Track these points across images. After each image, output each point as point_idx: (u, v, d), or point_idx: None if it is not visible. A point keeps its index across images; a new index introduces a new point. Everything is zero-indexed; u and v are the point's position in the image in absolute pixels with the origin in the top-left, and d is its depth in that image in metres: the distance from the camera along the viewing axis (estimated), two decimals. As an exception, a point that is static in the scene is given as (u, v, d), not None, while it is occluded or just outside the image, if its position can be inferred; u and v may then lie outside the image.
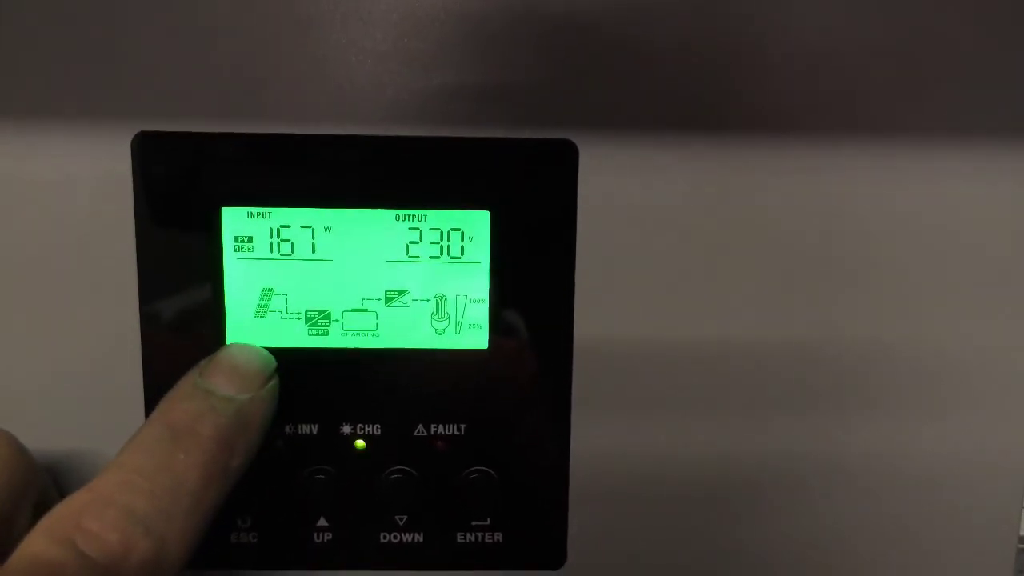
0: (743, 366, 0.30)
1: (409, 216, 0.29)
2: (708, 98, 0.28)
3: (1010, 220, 0.30)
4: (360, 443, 0.30)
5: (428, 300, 0.29)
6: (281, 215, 0.29)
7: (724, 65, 0.28)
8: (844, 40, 0.28)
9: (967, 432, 0.31)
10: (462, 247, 0.29)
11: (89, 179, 0.28)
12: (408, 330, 0.29)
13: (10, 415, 0.29)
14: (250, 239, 0.29)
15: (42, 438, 0.29)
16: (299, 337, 0.29)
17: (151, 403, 0.29)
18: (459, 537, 0.31)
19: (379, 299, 0.29)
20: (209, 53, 0.28)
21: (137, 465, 0.24)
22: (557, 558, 0.31)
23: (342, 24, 0.28)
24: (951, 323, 0.30)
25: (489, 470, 0.30)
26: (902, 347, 0.30)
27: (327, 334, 0.29)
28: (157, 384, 0.29)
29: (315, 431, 0.30)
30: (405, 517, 0.30)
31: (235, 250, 0.29)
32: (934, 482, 0.31)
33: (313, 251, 0.29)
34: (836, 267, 0.30)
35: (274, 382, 0.28)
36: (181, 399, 0.26)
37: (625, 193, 0.29)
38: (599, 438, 0.30)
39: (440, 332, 0.29)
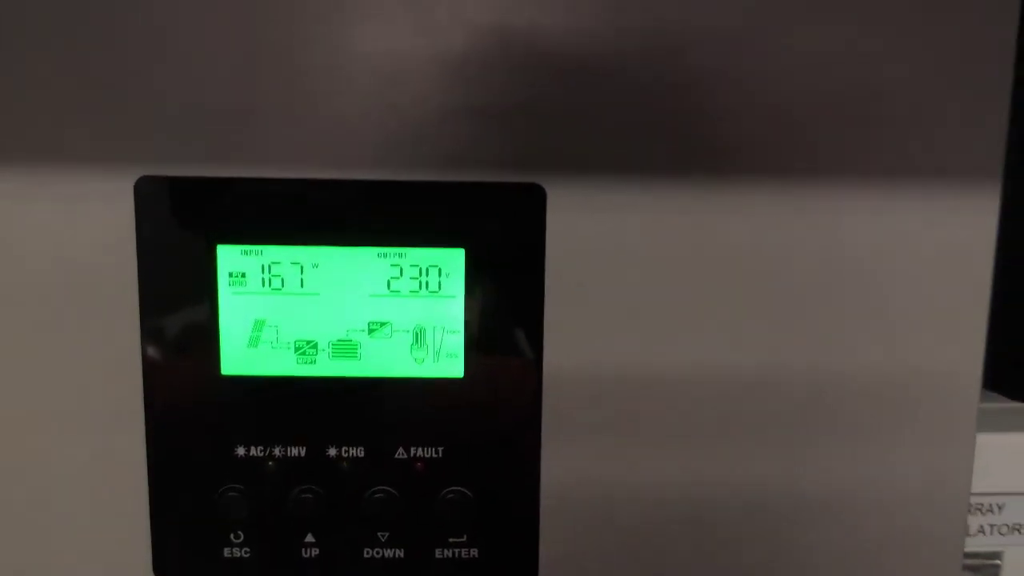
0: (701, 394, 0.32)
1: (390, 254, 0.31)
2: (668, 144, 0.30)
3: (962, 259, 0.31)
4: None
5: (408, 331, 0.31)
6: (272, 252, 0.31)
7: (683, 112, 0.30)
8: (803, 88, 0.30)
9: (917, 457, 0.32)
10: (439, 282, 0.31)
11: (95, 219, 0.31)
12: (390, 359, 0.31)
13: (20, 430, 0.31)
14: (243, 275, 0.31)
15: (45, 455, 0.32)
16: (288, 366, 0.31)
17: (151, 430, 0.31)
18: (437, 553, 0.33)
19: (363, 330, 0.31)
20: (205, 103, 0.30)
21: None
22: (530, 573, 0.33)
23: (329, 75, 0.30)
24: (904, 353, 0.32)
25: (465, 490, 0.32)
26: (859, 376, 0.32)
27: (314, 363, 0.31)
28: (157, 410, 0.31)
29: (303, 453, 0.32)
30: (387, 534, 0.32)
31: (229, 285, 0.31)
32: (887, 505, 0.33)
33: (302, 286, 0.31)
34: (793, 301, 0.32)
35: None
36: None
37: (590, 232, 0.31)
38: (568, 460, 0.32)
39: (419, 361, 0.32)
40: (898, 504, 0.33)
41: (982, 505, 0.41)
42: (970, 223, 0.31)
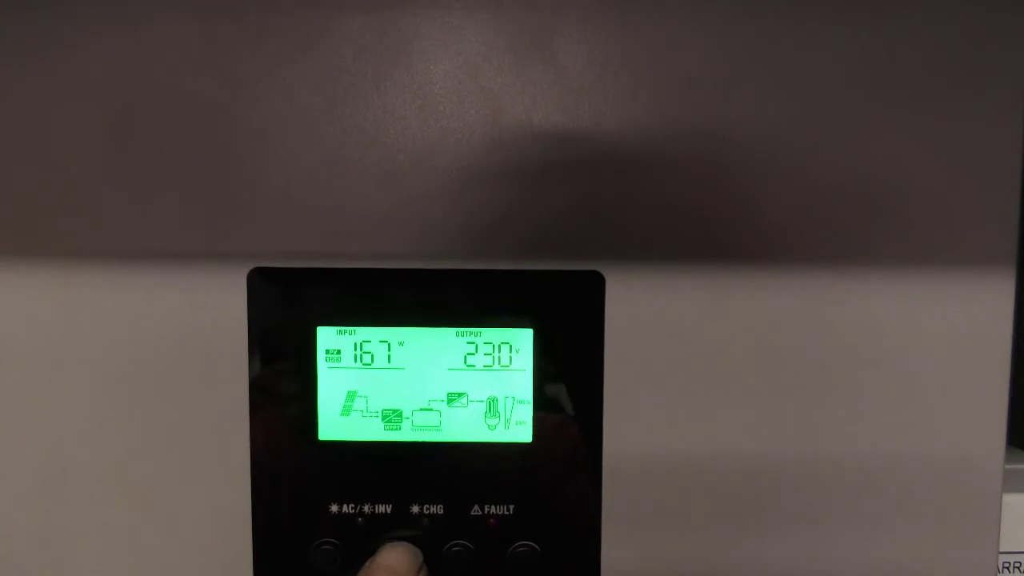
0: (748, 474, 0.35)
1: (467, 333, 0.35)
2: (716, 235, 0.34)
3: (982, 339, 0.35)
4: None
5: (482, 401, 0.35)
6: (364, 333, 0.35)
7: (729, 203, 0.34)
8: (837, 181, 0.34)
9: (944, 525, 0.35)
10: (510, 358, 0.35)
11: (213, 305, 0.35)
12: (466, 426, 0.36)
13: (142, 488, 0.36)
14: (338, 352, 0.35)
15: (162, 510, 0.36)
16: (376, 432, 0.36)
17: (256, 489, 0.36)
18: (509, 601, 0.36)
19: (442, 400, 0.36)
20: (307, 206, 0.35)
21: None
22: (592, 620, 0.36)
23: (413, 177, 0.35)
24: (930, 431, 0.35)
25: (534, 544, 0.36)
26: (885, 455, 0.35)
27: (399, 429, 0.36)
28: (261, 471, 0.36)
29: (389, 510, 0.36)
30: (463, 584, 0.36)
31: (326, 360, 0.35)
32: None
33: (389, 361, 0.35)
34: (838, 380, 0.35)
35: (423, 573, 0.34)
36: None
37: (645, 315, 0.35)
38: (626, 516, 0.36)
39: (492, 428, 0.36)
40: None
41: (1010, 564, 0.43)
42: (988, 304, 0.34)
